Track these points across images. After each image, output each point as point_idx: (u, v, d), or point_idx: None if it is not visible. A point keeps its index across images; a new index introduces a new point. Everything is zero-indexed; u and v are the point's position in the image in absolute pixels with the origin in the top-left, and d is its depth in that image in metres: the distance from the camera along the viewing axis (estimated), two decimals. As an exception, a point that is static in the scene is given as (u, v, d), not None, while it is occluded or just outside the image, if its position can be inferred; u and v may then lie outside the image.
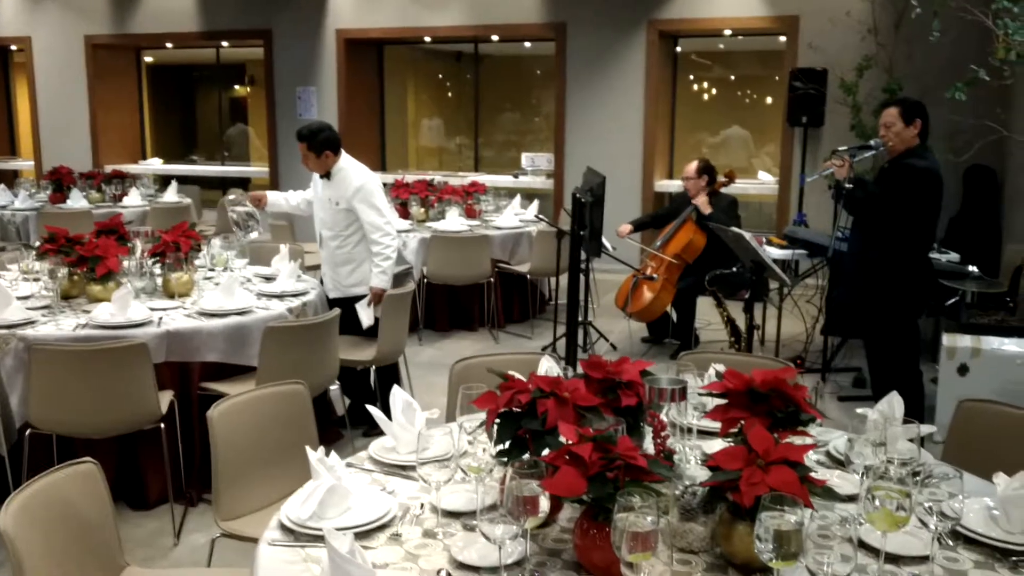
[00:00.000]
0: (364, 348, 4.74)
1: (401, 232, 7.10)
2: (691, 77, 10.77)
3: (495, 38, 10.58)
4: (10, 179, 9.77)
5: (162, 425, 3.75)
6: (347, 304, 4.83)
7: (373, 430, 4.91)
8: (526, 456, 2.07)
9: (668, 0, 9.35)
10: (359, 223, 4.87)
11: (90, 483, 2.39)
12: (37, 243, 4.77)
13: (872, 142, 4.61)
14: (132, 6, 11.63)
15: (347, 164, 4.90)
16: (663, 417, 2.23)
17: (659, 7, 9.38)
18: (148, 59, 13.10)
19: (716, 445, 2.48)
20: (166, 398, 3.82)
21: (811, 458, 2.52)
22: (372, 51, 11.29)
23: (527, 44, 11.53)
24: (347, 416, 4.77)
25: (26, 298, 4.32)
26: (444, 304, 7.19)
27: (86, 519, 2.36)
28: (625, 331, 6.87)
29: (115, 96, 12.34)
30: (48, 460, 3.86)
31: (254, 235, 5.39)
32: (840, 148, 4.65)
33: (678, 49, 10.12)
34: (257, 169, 12.29)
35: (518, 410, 2.15)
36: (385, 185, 9.64)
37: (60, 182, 8.56)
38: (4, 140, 13.02)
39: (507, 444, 2.12)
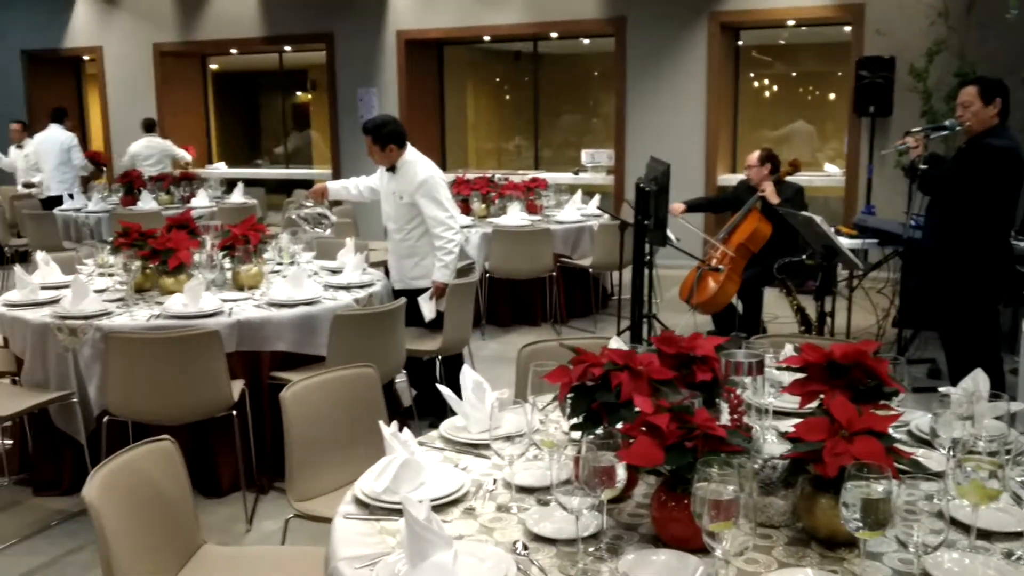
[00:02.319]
0: (430, 338, 4.76)
1: (463, 227, 7.11)
2: (752, 72, 10.62)
3: (554, 35, 10.57)
4: (83, 182, 10.01)
5: (234, 412, 3.80)
6: (411, 296, 4.84)
7: (440, 421, 4.93)
8: (600, 429, 2.05)
9: (730, -8, 9.23)
10: (422, 217, 4.88)
11: (168, 460, 2.44)
12: (107, 240, 4.89)
13: (947, 122, 4.49)
14: (198, 14, 11.88)
15: (412, 158, 4.90)
16: (739, 393, 2.18)
17: (720, -1, 9.27)
18: (213, 66, 13.37)
19: (792, 423, 2.43)
20: (237, 386, 3.87)
21: (892, 436, 2.45)
22: (432, 52, 11.36)
23: (585, 41, 11.50)
24: (414, 407, 4.79)
25: (102, 291, 4.43)
26: (506, 299, 7.19)
27: (165, 495, 2.40)
28: (690, 324, 6.78)
29: (182, 102, 12.62)
30: (123, 447, 3.93)
31: (329, 232, 5.41)
32: (914, 129, 4.53)
33: (740, 42, 9.98)
34: (320, 172, 12.45)
35: (591, 383, 2.13)
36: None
37: (131, 185, 8.77)
38: (80, 146, 13.35)
39: (581, 417, 2.09)
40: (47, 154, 9.76)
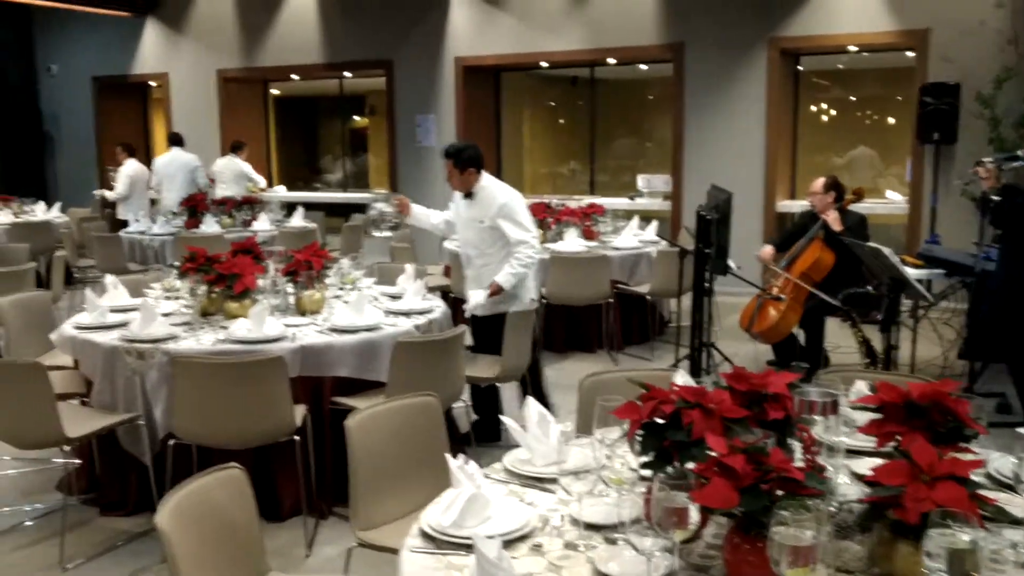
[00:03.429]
0: (489, 365, 4.76)
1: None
2: (811, 97, 10.51)
3: (612, 61, 10.58)
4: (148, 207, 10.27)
5: (296, 438, 3.83)
6: (492, 323, 4.86)
7: (497, 446, 4.93)
8: (671, 468, 2.02)
9: (789, 17, 9.18)
10: (504, 241, 4.90)
11: (237, 487, 2.46)
12: (177, 264, 4.99)
13: (1020, 152, 4.38)
14: (261, 41, 12.14)
15: (489, 183, 4.97)
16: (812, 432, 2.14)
17: (780, 25, 9.22)
18: (275, 91, 13.63)
19: (865, 463, 2.37)
20: (300, 411, 3.91)
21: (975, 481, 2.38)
22: (489, 78, 11.45)
23: (642, 66, 11.49)
24: (472, 432, 4.79)
25: (168, 315, 4.50)
26: (562, 325, 7.17)
27: (233, 522, 2.42)
28: (750, 353, 6.70)
29: (244, 127, 12.87)
30: (188, 469, 3.99)
31: (385, 235, 5.51)
32: (985, 159, 4.43)
33: (799, 67, 9.89)
34: (378, 196, 12.57)
35: (661, 421, 2.10)
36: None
37: (195, 208, 8.95)
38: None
39: (651, 455, 2.07)
40: (173, 176, 10.25)
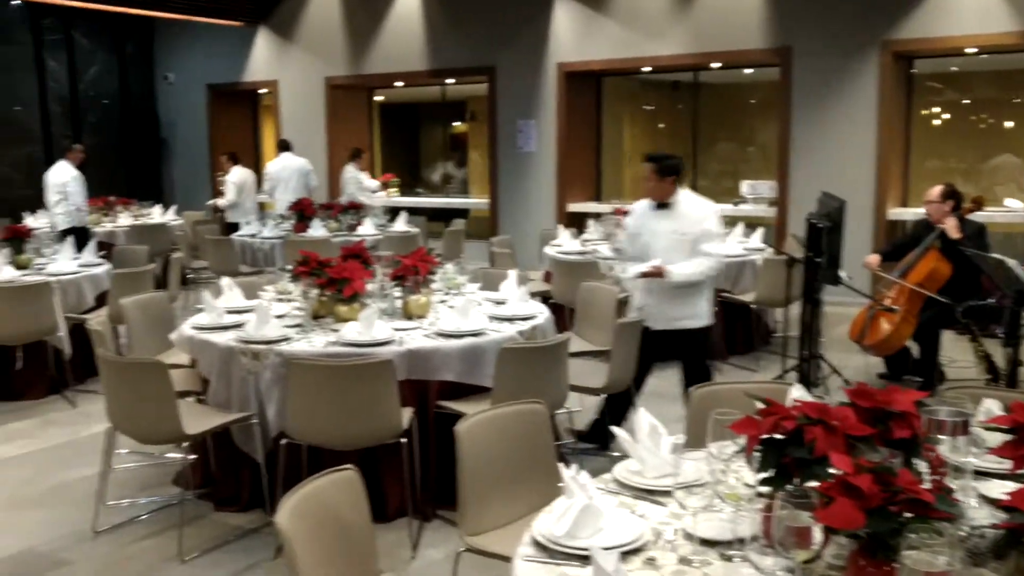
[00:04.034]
0: (595, 375, 4.73)
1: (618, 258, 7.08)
2: (926, 100, 10.14)
3: (716, 66, 10.43)
4: (260, 211, 10.62)
5: (403, 440, 3.89)
6: (673, 338, 4.91)
7: (599, 453, 4.91)
8: (791, 485, 1.97)
9: (903, 20, 8.88)
10: (692, 252, 4.83)
11: (351, 489, 2.51)
12: (288, 267, 5.13)
13: None
14: (367, 49, 12.39)
15: (689, 195, 4.94)
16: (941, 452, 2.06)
17: (893, 27, 8.92)
18: (379, 98, 13.90)
19: (995, 486, 2.27)
20: (407, 414, 3.96)
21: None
22: (591, 83, 11.43)
23: (747, 71, 11.30)
24: (585, 432, 4.79)
25: (280, 317, 4.63)
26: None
27: (347, 523, 2.46)
28: (859, 366, 6.50)
29: (349, 133, 13.16)
30: (298, 468, 4.10)
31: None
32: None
33: (913, 71, 9.56)
34: (478, 200, 12.70)
35: (781, 437, 2.05)
36: (601, 215, 9.72)
37: (303, 213, 9.19)
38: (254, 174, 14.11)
39: (771, 472, 2.02)
40: (287, 180, 10.68)
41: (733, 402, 2.74)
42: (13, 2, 12.46)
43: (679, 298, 4.88)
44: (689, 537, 2.13)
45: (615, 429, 2.75)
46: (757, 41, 9.69)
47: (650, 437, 2.60)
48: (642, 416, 2.65)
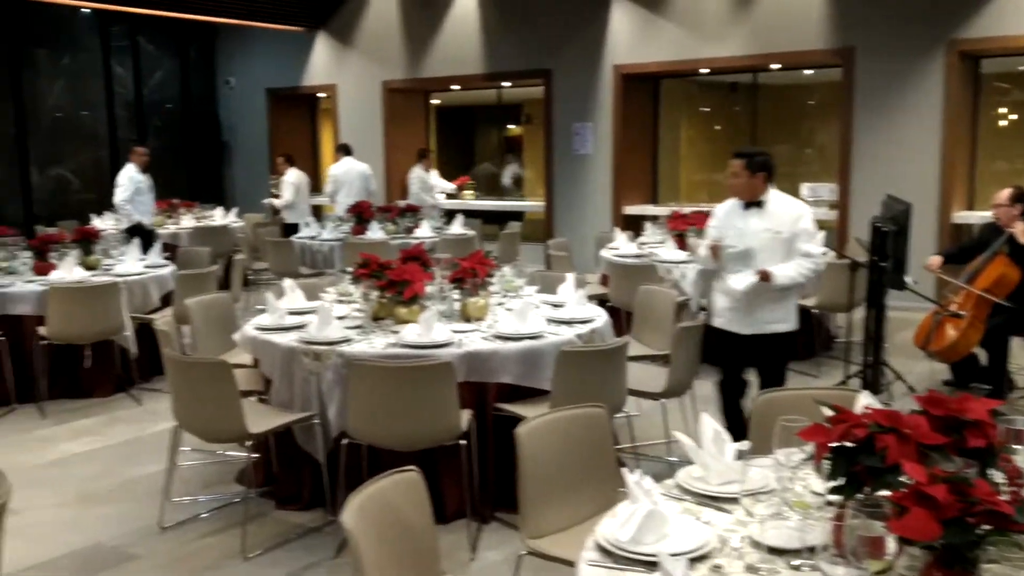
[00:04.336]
0: (654, 379, 4.70)
1: (679, 263, 7.03)
2: (994, 100, 9.88)
3: (776, 67, 10.30)
4: (316, 213, 10.76)
5: (462, 442, 3.90)
6: (762, 342, 4.65)
7: (658, 459, 4.88)
8: (862, 494, 1.94)
9: (970, 19, 8.68)
10: (788, 253, 4.56)
11: (414, 490, 2.52)
12: (349, 269, 5.18)
13: None
14: (424, 53, 12.48)
15: (779, 194, 4.69)
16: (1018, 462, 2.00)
17: (960, 26, 8.72)
18: (435, 101, 13.99)
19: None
20: (465, 416, 3.98)
21: None
22: (648, 85, 11.37)
23: (807, 72, 11.13)
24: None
25: (341, 318, 4.68)
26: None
27: (411, 524, 2.48)
28: (924, 372, 6.36)
29: (405, 136, 13.26)
30: (359, 468, 4.14)
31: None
32: None
33: (980, 71, 9.33)
34: (532, 204, 12.71)
35: (851, 445, 2.02)
36: (658, 218, 9.66)
37: (361, 215, 9.29)
38: (313, 178, 14.28)
39: (841, 480, 1.98)
40: (351, 184, 10.76)
41: (796, 408, 2.70)
42: (83, 10, 12.80)
43: (772, 300, 4.61)
44: (756, 545, 2.11)
45: (678, 435, 2.72)
46: (818, 42, 9.54)
47: (714, 443, 2.57)
48: (706, 422, 2.63)
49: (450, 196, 12.07)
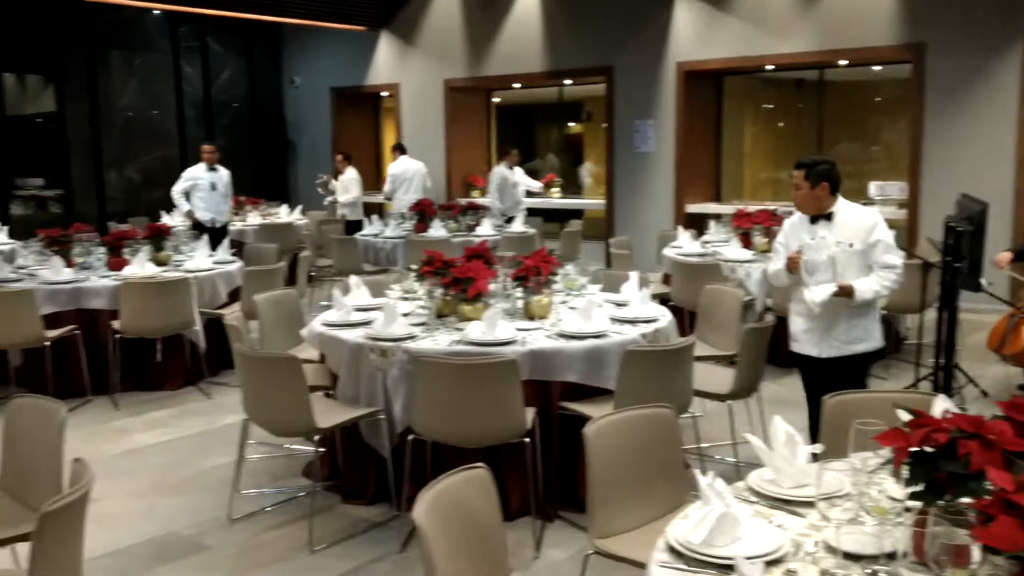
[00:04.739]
0: (719, 380, 4.65)
1: (744, 262, 6.95)
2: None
3: (843, 63, 10.10)
4: (378, 211, 10.86)
5: (527, 440, 3.91)
6: (843, 366, 4.29)
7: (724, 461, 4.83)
8: (943, 500, 1.89)
9: (1049, 11, 8.40)
10: (863, 266, 4.23)
11: (483, 487, 2.54)
12: (412, 266, 5.23)
13: None
14: (486, 51, 12.52)
15: (847, 204, 4.32)
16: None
17: (1039, 19, 8.46)
18: (496, 99, 14.02)
19: None
20: (529, 414, 3.98)
21: None
22: (711, 82, 11.25)
23: (875, 68, 10.90)
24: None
25: (406, 315, 4.72)
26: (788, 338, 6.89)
27: (479, 521, 2.49)
28: (998, 376, 6.19)
29: (467, 134, 13.33)
30: (423, 464, 4.18)
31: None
32: None
33: (1060, 65, 9.03)
34: (592, 201, 12.67)
35: (931, 450, 1.97)
36: (722, 216, 9.56)
37: (423, 213, 9.36)
38: (374, 175, 14.46)
39: (921, 486, 1.94)
40: (410, 181, 11.15)
41: (868, 411, 2.66)
42: (154, 12, 13.11)
43: (850, 317, 4.27)
44: (831, 550, 2.07)
45: (748, 436, 2.69)
46: (888, 37, 9.34)
47: (786, 446, 2.54)
48: (778, 424, 2.59)
49: (531, 194, 11.75)
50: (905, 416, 2.23)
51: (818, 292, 4.20)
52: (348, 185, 11.49)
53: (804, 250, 4.28)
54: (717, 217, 9.26)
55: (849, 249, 4.25)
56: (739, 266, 6.87)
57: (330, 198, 11.70)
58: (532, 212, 10.89)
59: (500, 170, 11.13)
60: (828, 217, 4.28)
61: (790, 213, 7.73)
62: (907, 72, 9.39)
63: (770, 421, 4.84)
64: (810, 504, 2.33)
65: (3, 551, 3.23)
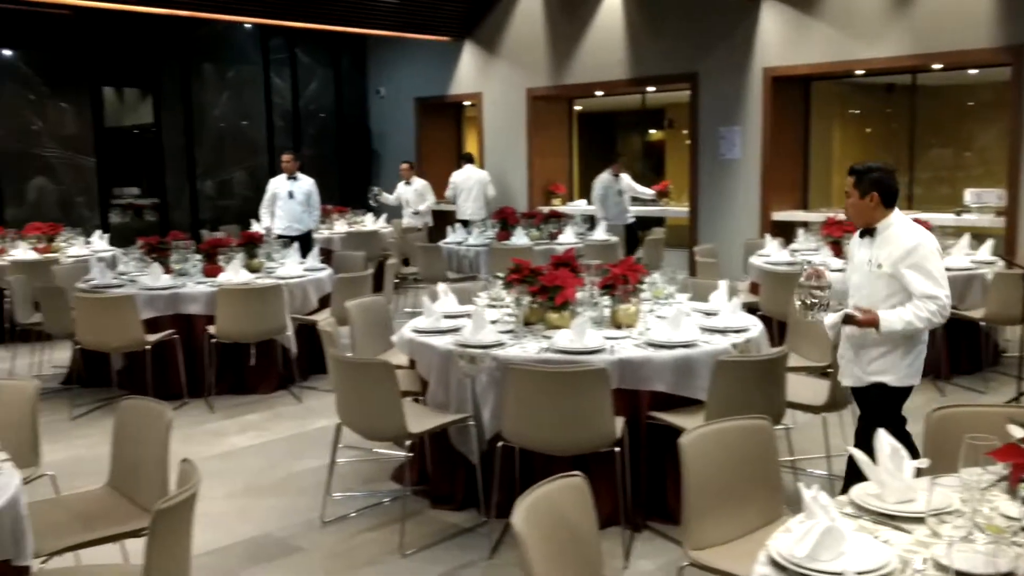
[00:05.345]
0: (813, 391, 4.56)
1: (836, 271, 6.79)
2: None
3: (937, 67, 9.82)
4: (449, 219, 11.05)
5: (617, 449, 3.90)
6: (863, 396, 3.94)
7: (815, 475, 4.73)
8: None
9: None
10: (901, 295, 3.78)
11: (579, 495, 2.54)
12: (499, 274, 5.26)
13: None
14: (569, 59, 12.54)
15: (899, 221, 3.87)
16: None
17: None
18: (578, 107, 14.02)
19: None
20: (619, 423, 3.97)
21: None
22: (799, 87, 11.05)
23: (971, 72, 10.56)
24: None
25: (493, 322, 4.76)
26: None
27: (576, 529, 2.50)
28: (1106, 391, 5.93)
29: (548, 142, 13.35)
30: (512, 471, 4.20)
31: (823, 315, 3.86)
32: None
33: None
34: (675, 209, 12.56)
35: (1050, 467, 1.90)
36: (810, 224, 9.37)
37: (506, 221, 9.42)
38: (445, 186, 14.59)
39: (1040, 504, 1.88)
40: (470, 190, 11.63)
41: (975, 425, 2.58)
42: (246, 25, 13.49)
43: (880, 345, 3.85)
44: (942, 568, 2.02)
45: (851, 450, 2.63)
46: (985, 40, 9.03)
47: (891, 460, 2.48)
48: (883, 437, 2.53)
49: (636, 200, 11.62)
50: (1019, 432, 2.16)
51: (830, 316, 3.77)
52: (424, 193, 11.80)
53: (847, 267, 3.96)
54: (805, 225, 9.09)
55: (877, 271, 3.84)
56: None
57: (396, 203, 11.91)
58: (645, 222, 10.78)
59: (604, 178, 11.05)
60: (874, 233, 3.88)
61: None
62: (1005, 75, 9.07)
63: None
64: (917, 520, 2.27)
65: (112, 547, 3.36)
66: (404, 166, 12.08)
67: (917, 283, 3.72)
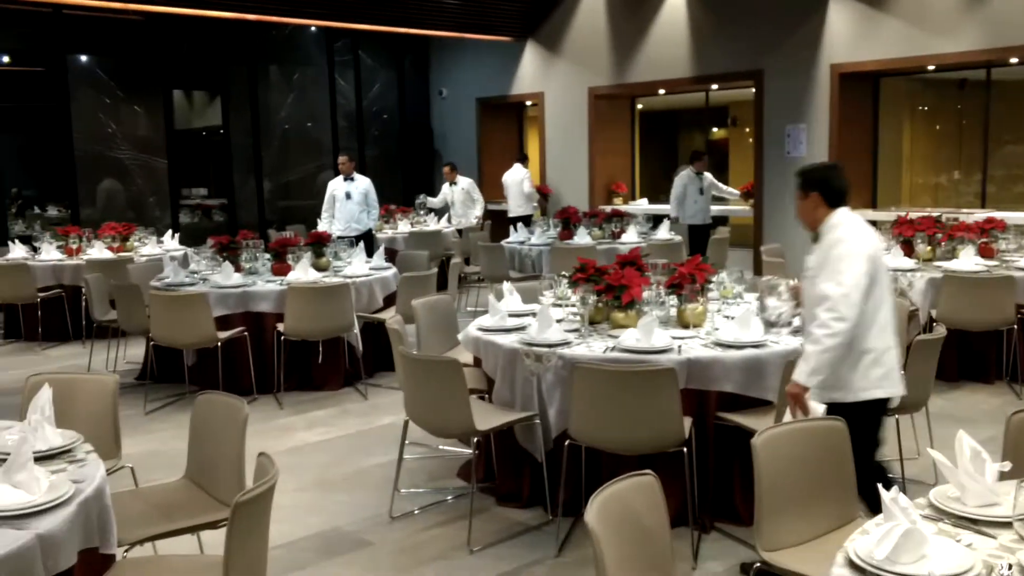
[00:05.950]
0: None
1: (906, 271, 6.66)
2: None
3: (1014, 61, 9.55)
4: (525, 220, 11.06)
5: (685, 449, 3.87)
6: (855, 412, 3.34)
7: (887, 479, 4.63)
8: None
9: None
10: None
11: (651, 494, 2.54)
12: (564, 273, 5.27)
13: None
14: (631, 58, 12.48)
15: (843, 221, 3.53)
16: None
17: None
18: (640, 106, 13.95)
19: None
20: (687, 423, 3.94)
21: None
22: (867, 84, 10.83)
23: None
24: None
25: (559, 321, 4.76)
26: (953, 351, 6.57)
27: (646, 527, 2.50)
28: None
29: (611, 141, 13.30)
30: (578, 470, 4.20)
31: (786, 331, 4.25)
32: None
33: None
34: (739, 208, 12.41)
35: None
36: (877, 222, 9.17)
37: (568, 220, 9.41)
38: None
39: None
40: (512, 186, 12.08)
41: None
42: (311, 28, 13.70)
43: (849, 355, 3.42)
44: (1027, 573, 1.97)
45: (932, 452, 2.58)
46: (1065, 32, 8.76)
47: (972, 462, 2.42)
48: (963, 440, 2.48)
49: (716, 199, 11.51)
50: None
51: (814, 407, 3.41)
52: (471, 191, 11.96)
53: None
54: (874, 224, 8.88)
55: (811, 278, 3.53)
56: (902, 275, 6.60)
57: (441, 206, 12.10)
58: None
59: (685, 175, 10.91)
60: (819, 237, 3.56)
61: (956, 220, 7.42)
62: (1086, 69, 8.80)
63: (937, 437, 4.63)
64: (1002, 524, 2.22)
65: (189, 538, 3.45)
66: (446, 168, 12.18)
67: (824, 282, 3.39)
